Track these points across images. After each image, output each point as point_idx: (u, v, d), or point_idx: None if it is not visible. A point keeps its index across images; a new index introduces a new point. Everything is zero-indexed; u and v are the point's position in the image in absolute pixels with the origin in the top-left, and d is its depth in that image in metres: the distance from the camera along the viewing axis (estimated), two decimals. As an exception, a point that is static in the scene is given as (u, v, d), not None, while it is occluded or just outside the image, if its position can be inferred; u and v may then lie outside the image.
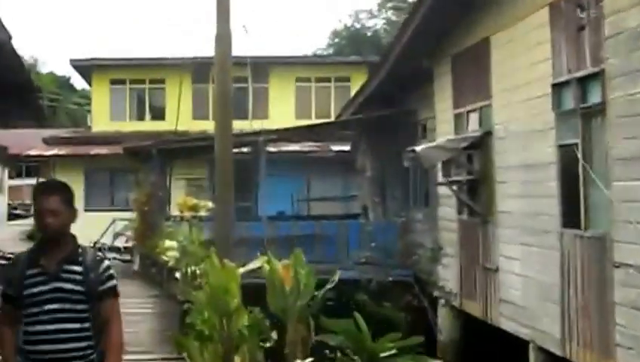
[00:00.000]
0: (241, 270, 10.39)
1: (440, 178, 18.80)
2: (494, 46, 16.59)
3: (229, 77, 15.10)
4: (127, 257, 27.64)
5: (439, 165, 18.31)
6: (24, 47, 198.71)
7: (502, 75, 16.22)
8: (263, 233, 22.66)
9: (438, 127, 20.34)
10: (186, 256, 15.07)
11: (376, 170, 26.29)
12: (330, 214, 28.15)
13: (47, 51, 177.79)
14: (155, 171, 24.95)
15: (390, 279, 19.77)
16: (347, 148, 30.46)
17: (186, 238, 15.41)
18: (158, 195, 24.49)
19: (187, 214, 17.66)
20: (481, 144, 17.13)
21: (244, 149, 31.04)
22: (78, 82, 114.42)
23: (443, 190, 19.41)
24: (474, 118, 17.99)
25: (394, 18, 76.13)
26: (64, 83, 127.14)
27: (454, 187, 18.08)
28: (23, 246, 33.70)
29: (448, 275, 19.38)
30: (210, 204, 18.00)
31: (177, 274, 15.48)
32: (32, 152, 38.16)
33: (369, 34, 79.05)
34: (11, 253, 29.67)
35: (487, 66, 16.95)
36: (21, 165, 70.32)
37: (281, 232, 22.90)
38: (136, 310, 18.18)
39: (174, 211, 26.29)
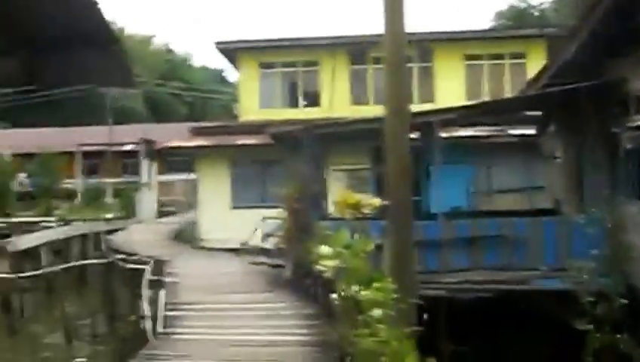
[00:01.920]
0: None
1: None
2: None
3: (403, 33, 11.25)
4: (279, 262, 24.01)
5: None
6: (175, 41, 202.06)
7: None
8: (438, 234, 18.85)
9: (664, 98, 15.90)
10: (347, 272, 11.27)
11: (569, 155, 21.99)
12: (514, 210, 23.97)
13: (199, 45, 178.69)
14: (308, 161, 21.12)
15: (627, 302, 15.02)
16: (531, 131, 26.15)
17: (346, 246, 11.62)
18: (312, 190, 20.65)
19: (348, 214, 13.90)
20: None
21: (412, 135, 27.36)
22: (232, 75, 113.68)
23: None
24: None
25: (563, -5, 71.64)
26: (217, 76, 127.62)
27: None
28: (168, 248, 31.00)
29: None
30: (377, 201, 14.09)
31: (334, 296, 11.66)
32: (173, 143, 35.08)
33: (536, 14, 75.01)
34: (150, 257, 26.62)
35: None
36: (172, 160, 69.42)
37: (459, 233, 19.10)
38: (287, 337, 14.37)
39: (332, 208, 22.56)
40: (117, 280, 28.56)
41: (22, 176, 67.08)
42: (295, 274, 20.52)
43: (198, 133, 35.52)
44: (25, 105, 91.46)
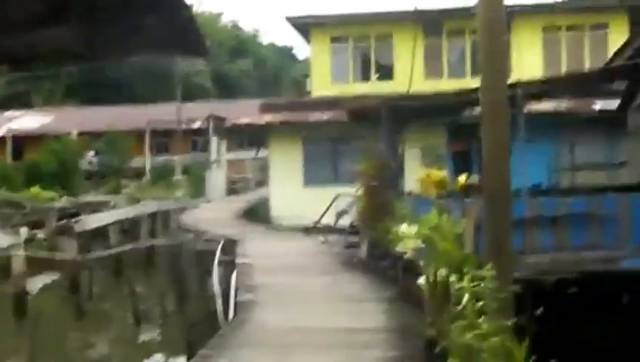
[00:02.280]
0: None
1: None
2: None
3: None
4: (353, 241, 23.15)
5: None
6: (244, 18, 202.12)
7: None
8: (521, 212, 17.79)
9: None
10: (434, 255, 10.38)
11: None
12: (597, 186, 22.81)
13: (267, 22, 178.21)
14: (385, 137, 20.17)
15: None
16: (615, 104, 24.97)
17: (434, 227, 10.69)
18: (389, 167, 19.69)
19: (432, 192, 12.97)
20: None
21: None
22: (301, 52, 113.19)
23: None
24: None
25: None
26: (286, 53, 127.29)
27: None
28: (238, 228, 30.37)
29: None
30: (463, 179, 13.21)
31: (421, 280, 10.75)
32: (243, 120, 34.30)
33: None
34: (220, 236, 25.98)
35: None
36: (242, 137, 68.76)
37: (543, 211, 18.08)
38: (366, 323, 13.35)
39: (408, 186, 21.68)
40: (186, 261, 27.99)
41: (90, 154, 67.04)
42: (371, 255, 19.64)
43: (268, 109, 34.68)
44: (92, 83, 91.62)
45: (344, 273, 18.90)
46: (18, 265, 27.37)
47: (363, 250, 20.51)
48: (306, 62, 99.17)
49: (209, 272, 21.66)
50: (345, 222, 25.72)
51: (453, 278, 9.35)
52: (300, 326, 13.15)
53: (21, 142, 73.04)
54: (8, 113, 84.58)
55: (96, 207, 45.50)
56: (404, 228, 15.54)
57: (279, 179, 32.56)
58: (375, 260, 18.88)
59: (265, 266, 20.17)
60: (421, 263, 11.40)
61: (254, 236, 27.93)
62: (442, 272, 9.94)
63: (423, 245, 13.89)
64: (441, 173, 13.08)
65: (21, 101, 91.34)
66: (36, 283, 31.11)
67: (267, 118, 33.05)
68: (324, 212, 27.10)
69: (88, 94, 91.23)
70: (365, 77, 37.20)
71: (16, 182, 57.96)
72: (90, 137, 66.94)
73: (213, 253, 22.41)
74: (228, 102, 78.59)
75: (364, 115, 22.69)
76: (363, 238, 20.83)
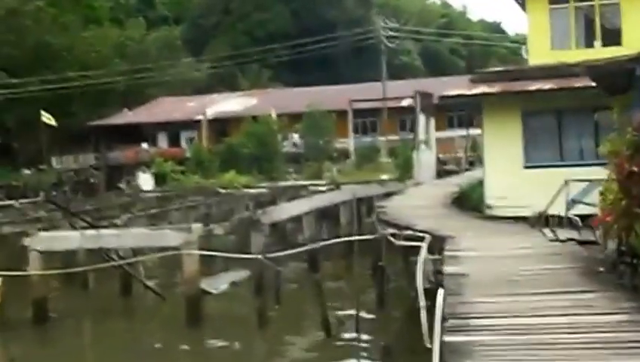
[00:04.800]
0: None
1: None
2: None
3: None
4: (591, 238, 18.42)
5: None
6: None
7: None
8: None
9: None
10: None
11: None
12: None
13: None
14: (637, 105, 15.25)
15: None
16: None
17: None
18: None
19: None
20: None
21: None
22: (510, 27, 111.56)
23: None
24: None
25: None
26: (495, 28, 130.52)
27: None
28: (447, 219, 25.90)
29: None
30: None
31: None
32: (451, 93, 29.82)
33: None
34: (422, 231, 21.70)
35: None
36: (451, 115, 65.62)
37: None
38: None
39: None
40: (387, 260, 23.95)
41: (295, 136, 65.31)
42: (624, 263, 14.70)
43: (479, 80, 30.14)
44: (297, 65, 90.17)
45: (590, 290, 13.80)
46: (191, 265, 23.97)
47: (609, 254, 15.65)
48: (516, 37, 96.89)
49: (412, 276, 17.35)
50: (577, 212, 21.13)
51: None
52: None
53: (223, 125, 71.85)
54: (212, 96, 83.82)
55: (294, 193, 42.65)
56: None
57: (494, 159, 27.91)
58: (632, 272, 13.96)
59: (482, 277, 15.46)
60: None
61: (466, 230, 23.44)
62: None
63: None
64: None
65: (227, 84, 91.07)
66: (215, 285, 27.86)
67: (478, 89, 28.55)
68: (552, 200, 22.45)
69: (293, 76, 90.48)
70: (588, 43, 32.27)
71: (213, 168, 56.29)
72: (292, 119, 64.76)
73: (417, 251, 18.24)
74: (436, 80, 75.15)
75: (611, 77, 17.76)
76: (608, 238, 15.97)
